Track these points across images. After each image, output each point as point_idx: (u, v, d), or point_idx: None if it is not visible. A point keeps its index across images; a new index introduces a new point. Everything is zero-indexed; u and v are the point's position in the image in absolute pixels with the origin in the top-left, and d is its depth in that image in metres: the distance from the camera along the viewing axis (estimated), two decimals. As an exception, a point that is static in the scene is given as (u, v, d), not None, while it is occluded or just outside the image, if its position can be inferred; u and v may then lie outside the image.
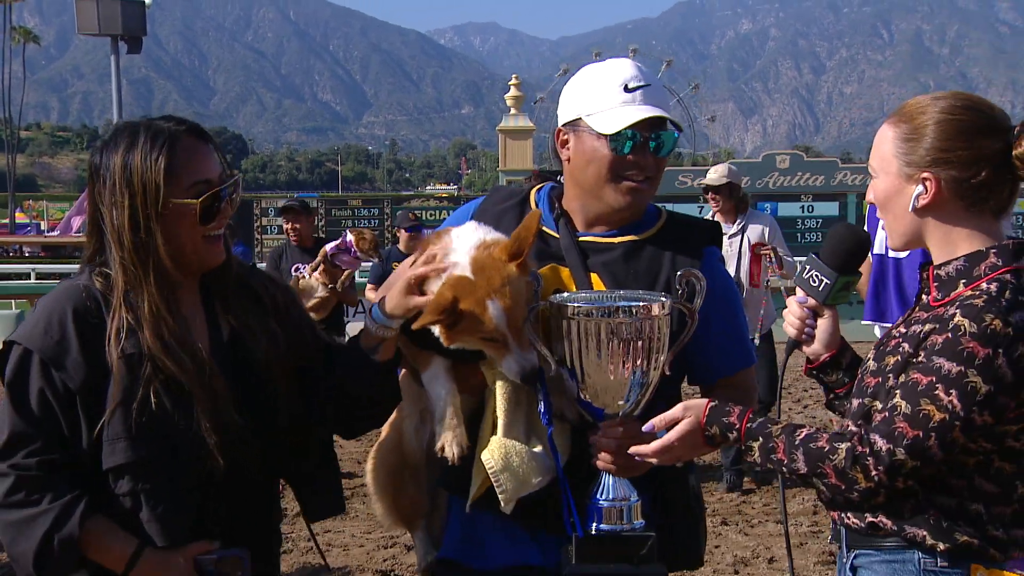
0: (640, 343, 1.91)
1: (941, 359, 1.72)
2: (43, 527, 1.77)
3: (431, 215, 19.51)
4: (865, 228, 4.00)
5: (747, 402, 1.98)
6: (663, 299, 1.97)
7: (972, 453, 1.76)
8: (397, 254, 7.58)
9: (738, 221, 6.59)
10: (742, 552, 5.28)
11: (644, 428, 1.92)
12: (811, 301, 2.02)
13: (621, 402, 1.97)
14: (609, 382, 1.94)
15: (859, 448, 1.74)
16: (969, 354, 1.70)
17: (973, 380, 1.69)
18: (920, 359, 1.76)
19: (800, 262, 2.11)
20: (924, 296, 1.91)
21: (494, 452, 1.99)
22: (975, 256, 1.82)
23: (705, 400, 1.92)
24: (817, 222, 19.14)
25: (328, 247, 7.03)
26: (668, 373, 2.00)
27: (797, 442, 1.80)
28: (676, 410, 1.90)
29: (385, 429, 2.25)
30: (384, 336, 1.98)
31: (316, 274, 6.99)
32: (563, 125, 2.18)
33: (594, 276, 2.12)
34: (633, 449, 1.92)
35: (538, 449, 2.01)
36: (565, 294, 2.03)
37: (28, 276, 18.90)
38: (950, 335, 1.73)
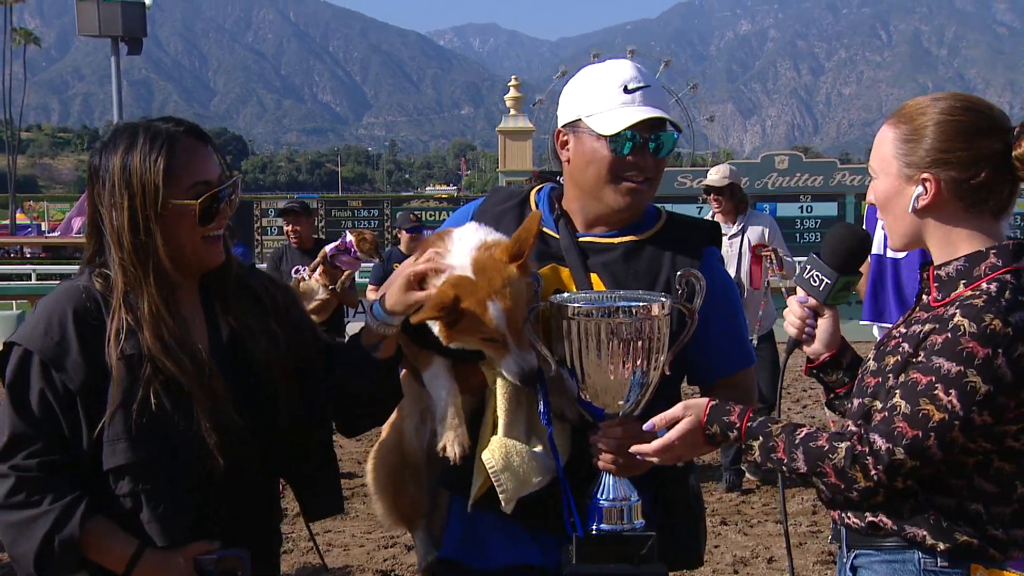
0: (640, 343, 1.92)
1: (941, 359, 1.72)
2: (44, 528, 1.77)
3: (431, 216, 19.51)
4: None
5: (747, 402, 1.98)
6: (663, 299, 1.97)
7: (972, 453, 1.76)
8: (398, 255, 7.58)
9: (738, 222, 6.60)
10: (742, 552, 5.28)
11: (644, 427, 1.92)
12: (812, 301, 2.02)
13: (621, 402, 1.97)
14: (609, 382, 1.94)
15: (859, 447, 1.75)
16: (969, 354, 1.70)
17: (973, 380, 1.70)
18: (920, 359, 1.76)
19: (800, 262, 2.11)
20: (924, 296, 1.91)
21: (495, 452, 1.99)
22: (975, 256, 1.83)
23: (705, 399, 1.92)
24: (816, 222, 19.16)
25: (328, 248, 7.01)
26: (668, 373, 2.00)
27: (797, 441, 1.81)
28: (676, 409, 1.90)
29: (385, 429, 2.25)
30: (385, 333, 1.98)
31: (316, 275, 6.97)
32: (563, 126, 2.18)
33: (594, 276, 2.13)
34: (634, 448, 1.92)
35: (539, 449, 2.01)
36: (565, 294, 2.03)
37: (29, 277, 18.92)
38: (950, 335, 1.73)
